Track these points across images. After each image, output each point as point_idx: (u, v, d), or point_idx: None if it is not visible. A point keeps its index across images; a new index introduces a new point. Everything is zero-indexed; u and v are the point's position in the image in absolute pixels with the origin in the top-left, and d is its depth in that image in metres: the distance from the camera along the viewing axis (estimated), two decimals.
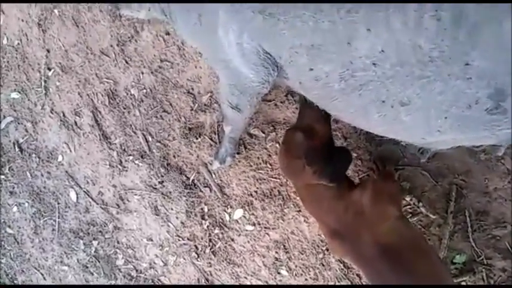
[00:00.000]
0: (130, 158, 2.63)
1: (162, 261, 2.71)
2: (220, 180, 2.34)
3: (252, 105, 1.78)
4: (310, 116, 1.57)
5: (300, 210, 2.18)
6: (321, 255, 2.21)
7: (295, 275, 2.31)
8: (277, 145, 2.08)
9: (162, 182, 2.54)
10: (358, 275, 2.13)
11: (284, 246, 2.28)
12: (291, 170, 1.55)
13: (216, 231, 2.45)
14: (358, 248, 1.45)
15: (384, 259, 1.42)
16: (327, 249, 2.18)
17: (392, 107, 1.32)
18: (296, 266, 2.29)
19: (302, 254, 2.25)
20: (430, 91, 1.22)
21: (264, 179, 2.20)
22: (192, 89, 2.25)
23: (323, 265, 2.22)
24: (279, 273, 2.35)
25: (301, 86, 1.52)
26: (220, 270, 2.54)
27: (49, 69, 2.80)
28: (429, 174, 1.82)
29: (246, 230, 2.35)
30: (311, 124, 1.56)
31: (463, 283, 1.78)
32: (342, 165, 1.56)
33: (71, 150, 2.82)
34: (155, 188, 2.58)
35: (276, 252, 2.31)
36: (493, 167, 1.71)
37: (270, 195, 2.21)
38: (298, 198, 2.15)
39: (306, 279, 2.29)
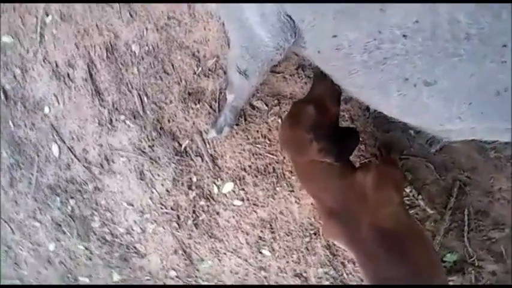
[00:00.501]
0: (122, 117, 2.52)
1: (141, 228, 2.63)
2: (214, 150, 2.25)
3: (261, 72, 1.70)
4: (324, 90, 1.50)
5: (292, 191, 2.12)
6: (307, 239, 2.16)
7: (278, 256, 2.25)
8: (280, 120, 2.01)
9: (152, 146, 2.44)
10: (342, 263, 2.09)
11: (270, 225, 2.22)
12: (295, 143, 1.47)
13: (202, 203, 2.37)
14: (355, 229, 1.40)
15: (380, 242, 1.38)
16: (315, 234, 2.13)
17: (415, 86, 1.26)
18: (280, 248, 2.24)
19: (288, 235, 2.19)
20: (460, 72, 1.16)
21: (260, 154, 2.13)
22: (198, 51, 2.15)
23: (308, 249, 2.17)
24: (260, 252, 2.29)
25: (319, 55, 1.45)
26: (200, 243, 2.46)
27: (47, 15, 2.64)
28: (433, 166, 1.78)
29: (234, 205, 2.28)
30: (323, 98, 1.49)
31: (450, 283, 1.75)
32: (350, 145, 1.50)
33: (59, 103, 2.69)
34: (144, 152, 2.48)
35: (261, 231, 2.25)
36: (502, 167, 1.67)
37: (264, 171, 2.14)
38: (292, 177, 2.09)
39: (287, 262, 2.24)
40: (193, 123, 2.26)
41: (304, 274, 2.21)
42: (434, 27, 1.13)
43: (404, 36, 1.18)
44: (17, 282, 3.11)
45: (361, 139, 1.86)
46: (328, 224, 1.48)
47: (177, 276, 2.60)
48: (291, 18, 1.41)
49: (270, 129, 2.07)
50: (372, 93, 1.40)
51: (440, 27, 1.12)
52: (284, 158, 2.07)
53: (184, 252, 2.54)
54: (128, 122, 2.48)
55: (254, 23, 1.49)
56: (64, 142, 2.72)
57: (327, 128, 1.46)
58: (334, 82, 1.58)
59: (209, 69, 2.13)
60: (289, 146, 1.51)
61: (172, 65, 2.27)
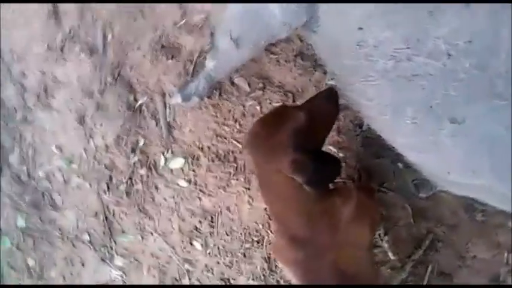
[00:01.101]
0: (77, 48, 2.15)
1: (64, 178, 2.28)
2: (174, 119, 1.96)
3: (255, 46, 1.43)
4: (326, 109, 1.27)
5: (248, 188, 1.87)
6: (247, 245, 1.93)
7: (209, 253, 2.01)
8: (258, 107, 1.75)
9: (103, 91, 2.10)
10: (277, 282, 1.88)
11: (212, 218, 1.97)
12: (267, 145, 1.20)
13: (142, 171, 2.07)
14: (313, 263, 1.18)
15: (335, 285, 1.17)
16: (258, 242, 1.90)
17: (437, 119, 1.05)
18: (214, 245, 1.99)
19: (228, 235, 1.95)
20: (499, 118, 0.96)
21: (225, 138, 1.86)
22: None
23: (245, 256, 1.94)
24: (191, 244, 2.04)
25: (333, 47, 1.20)
26: (126, 214, 2.17)
27: None
28: (411, 210, 1.61)
29: (177, 185, 2.00)
30: (320, 115, 1.25)
31: None
32: (328, 173, 1.27)
33: (6, 14, 2.26)
34: (92, 95, 2.13)
35: (200, 222, 1.99)
36: (486, 234, 1.52)
37: (223, 158, 1.88)
38: (253, 174, 1.85)
39: (218, 263, 2.00)
40: (158, 81, 1.95)
41: (232, 281, 1.99)
42: (490, 54, 0.92)
43: (448, 55, 0.96)
44: None
45: (342, 155, 1.65)
46: (285, 248, 1.24)
47: (90, 242, 2.29)
48: None
49: (244, 114, 1.80)
50: (381, 110, 1.17)
51: (497, 56, 0.91)
52: None
53: (106, 218, 2.23)
54: (82, 55, 2.12)
55: None
56: (1, 58, 2.31)
57: (310, 144, 1.22)
58: (336, 83, 1.34)
59: (194, 25, 1.82)
60: (258, 146, 1.23)
61: (153, 9, 1.94)
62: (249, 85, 1.75)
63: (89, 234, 2.29)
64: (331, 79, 1.63)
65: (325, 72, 1.61)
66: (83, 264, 2.34)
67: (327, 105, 1.27)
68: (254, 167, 1.31)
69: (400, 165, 1.62)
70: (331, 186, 1.65)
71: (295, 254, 1.21)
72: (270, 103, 1.72)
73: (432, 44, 0.96)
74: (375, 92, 1.15)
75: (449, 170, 1.16)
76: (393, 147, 1.34)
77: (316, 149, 1.26)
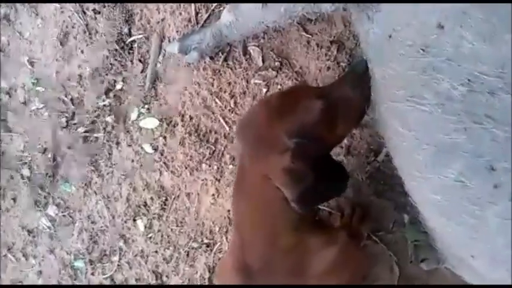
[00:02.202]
0: None
1: (24, 98, 1.96)
2: (164, 70, 1.63)
3: (287, 12, 1.12)
4: (353, 95, 0.94)
5: (218, 180, 1.55)
6: (195, 244, 1.61)
7: (150, 238, 1.70)
8: (264, 90, 1.42)
9: (99, 13, 1.77)
10: None
11: (166, 200, 1.65)
12: (262, 136, 0.88)
13: (109, 119, 1.75)
14: None
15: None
16: (207, 246, 1.59)
17: (494, 189, 0.73)
18: (158, 231, 1.68)
19: (177, 225, 1.64)
20: None
21: (213, 113, 1.53)
22: None
23: (187, 255, 1.63)
24: (134, 220, 1.73)
25: (385, 45, 0.88)
26: (76, 162, 1.86)
27: None
28: (399, 274, 1.29)
29: (142, 148, 1.68)
30: (343, 105, 0.93)
31: None
32: (329, 193, 0.96)
33: None
34: (84, 13, 1.80)
35: (152, 199, 1.67)
36: None
37: (203, 136, 1.56)
38: (230, 167, 1.53)
39: (156, 252, 1.70)
40: (163, 20, 1.62)
41: (164, 278, 1.68)
42: None
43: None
44: None
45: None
46: (229, 272, 0.93)
47: (28, 178, 1.98)
48: None
49: (244, 92, 1.47)
50: (416, 146, 0.85)
51: None
52: (233, 140, 1.49)
53: (54, 159, 1.91)
54: None
55: None
56: None
57: (317, 147, 0.89)
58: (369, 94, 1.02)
59: None
60: (251, 135, 0.92)
61: None
62: (263, 60, 1.42)
63: (30, 170, 1.98)
64: None
65: None
66: (14, 200, 2.04)
67: (354, 95, 0.94)
68: (238, 158, 1.03)
69: (405, 216, 1.30)
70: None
71: (236, 282, 0.89)
72: (280, 89, 1.39)
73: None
74: (418, 121, 0.83)
75: (477, 254, 0.85)
76: (407, 196, 1.02)
77: (322, 155, 0.94)
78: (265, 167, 0.87)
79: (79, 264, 1.90)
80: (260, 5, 1.15)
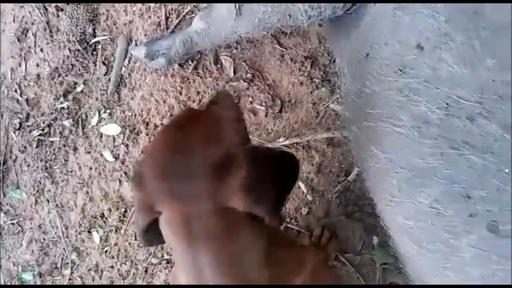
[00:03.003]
0: None
1: None
2: (129, 74, 1.55)
3: (261, 23, 1.08)
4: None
5: None
6: (154, 260, 1.53)
7: (105, 252, 1.60)
8: (238, 101, 1.37)
9: (62, 10, 1.67)
10: None
11: (125, 212, 1.57)
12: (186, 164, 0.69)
13: (66, 123, 1.65)
14: None
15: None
16: (167, 262, 1.51)
17: (470, 218, 0.71)
18: (116, 244, 1.59)
19: (136, 239, 1.55)
20: None
21: None
22: None
23: (146, 272, 1.54)
24: (89, 232, 1.62)
25: (362, 63, 0.86)
26: (29, 166, 1.74)
27: None
28: None
29: (101, 155, 1.59)
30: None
31: None
32: (288, 187, 0.86)
33: None
34: (46, 9, 1.70)
35: (109, 210, 1.58)
36: None
37: None
38: None
39: (112, 267, 1.60)
40: (130, 22, 1.55)
41: None
42: None
43: None
44: None
45: (310, 199, 1.28)
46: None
47: None
48: None
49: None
50: (389, 169, 0.82)
51: None
52: None
53: (4, 162, 1.79)
54: None
55: None
56: None
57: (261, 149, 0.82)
58: (345, 110, 0.99)
59: None
60: (184, 183, 0.67)
61: None
62: (235, 70, 1.37)
63: None
64: (338, 101, 1.28)
65: (332, 92, 1.26)
66: None
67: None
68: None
69: (374, 238, 1.28)
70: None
71: None
72: (251, 102, 1.34)
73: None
74: (393, 143, 0.80)
75: (445, 282, 0.82)
76: (378, 217, 0.99)
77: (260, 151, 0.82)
78: (220, 196, 0.67)
79: (27, 276, 1.77)
80: (234, 14, 1.10)
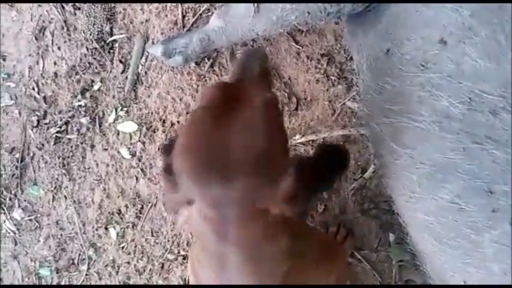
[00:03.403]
0: None
1: None
2: (146, 72, 1.57)
3: (279, 21, 1.09)
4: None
5: None
6: (170, 256, 1.55)
7: (122, 248, 1.62)
8: None
9: (79, 9, 1.70)
10: None
11: (141, 208, 1.59)
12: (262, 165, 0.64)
13: (84, 120, 1.67)
14: None
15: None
16: (184, 258, 1.53)
17: (492, 213, 0.71)
18: (132, 241, 1.61)
19: (153, 235, 1.57)
20: None
21: None
22: None
23: (162, 268, 1.57)
24: (106, 228, 1.65)
25: (382, 59, 0.86)
26: (46, 163, 1.77)
27: None
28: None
29: (118, 153, 1.61)
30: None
31: None
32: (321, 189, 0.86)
33: None
34: (63, 8, 1.73)
35: (126, 207, 1.60)
36: None
37: None
38: None
39: (128, 263, 1.62)
40: (147, 21, 1.57)
41: None
42: None
43: None
44: None
45: (326, 197, 1.29)
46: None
47: None
48: None
49: None
50: (410, 166, 0.83)
51: None
52: None
53: (22, 159, 1.82)
54: None
55: None
56: None
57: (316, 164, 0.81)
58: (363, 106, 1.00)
59: None
60: (229, 179, 0.63)
61: None
62: None
63: None
64: (354, 99, 1.28)
65: (348, 89, 1.26)
66: None
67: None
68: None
69: (391, 235, 1.28)
70: None
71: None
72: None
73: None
74: (414, 139, 0.80)
75: (470, 281, 0.82)
76: (395, 215, 1.00)
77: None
78: (259, 199, 0.65)
79: (44, 272, 1.80)
80: (252, 12, 1.11)
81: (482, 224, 0.73)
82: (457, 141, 0.73)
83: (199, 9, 1.46)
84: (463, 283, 0.81)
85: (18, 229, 1.85)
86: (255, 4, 1.09)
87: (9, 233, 1.87)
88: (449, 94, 0.72)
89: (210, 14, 1.45)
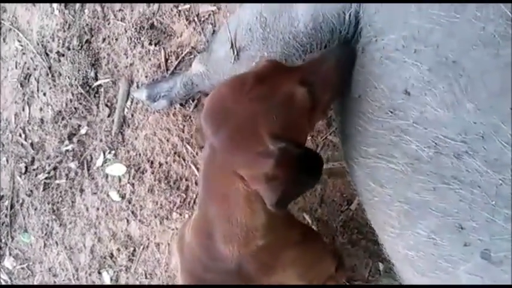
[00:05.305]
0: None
1: None
2: (132, 115, 1.64)
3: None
4: (337, 64, 0.90)
5: None
6: None
7: None
8: None
9: (63, 55, 1.78)
10: None
11: (134, 251, 1.63)
12: (238, 132, 0.80)
13: (72, 165, 1.73)
14: None
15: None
16: None
17: (464, 247, 0.79)
18: (127, 283, 1.65)
19: (146, 277, 1.62)
20: None
21: (183, 160, 1.55)
22: None
23: None
24: (99, 273, 1.69)
25: (357, 100, 0.95)
26: (36, 210, 1.81)
27: None
28: None
29: (108, 196, 1.67)
30: (323, 83, 0.87)
31: None
32: (305, 188, 0.97)
33: None
34: (47, 55, 1.81)
35: (118, 250, 1.65)
36: None
37: (173, 183, 1.57)
38: None
39: None
40: (131, 65, 1.65)
41: None
42: None
43: None
44: None
45: (316, 229, 1.36)
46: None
47: None
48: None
49: None
50: (388, 202, 0.90)
51: None
52: None
53: (12, 207, 1.86)
54: (54, 4, 1.81)
55: None
56: None
57: (299, 147, 0.88)
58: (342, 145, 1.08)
59: (198, 15, 1.54)
60: (223, 130, 0.80)
61: None
62: None
63: None
64: (335, 133, 1.37)
65: (329, 124, 1.35)
66: None
67: (337, 78, 0.90)
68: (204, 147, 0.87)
69: (380, 265, 1.35)
70: None
71: None
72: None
73: (499, 149, 0.71)
74: (390, 178, 0.88)
75: None
76: (381, 245, 1.07)
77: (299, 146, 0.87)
78: (239, 165, 0.81)
79: None
80: (232, 58, 1.20)
81: (456, 257, 0.80)
82: (427, 182, 0.81)
83: (182, 53, 1.55)
84: None
85: (10, 278, 1.89)
86: (235, 52, 1.18)
87: (1, 282, 1.91)
88: (417, 139, 0.80)
89: (192, 56, 1.53)
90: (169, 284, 1.59)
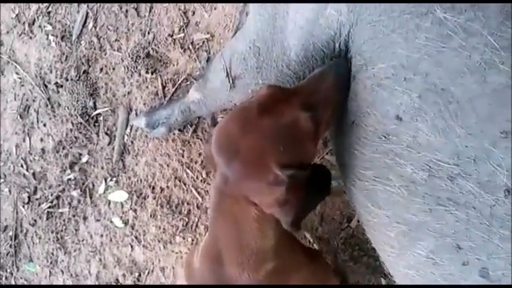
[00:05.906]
0: (48, 27, 1.86)
1: None
2: (131, 142, 1.66)
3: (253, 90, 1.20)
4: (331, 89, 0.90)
5: None
6: None
7: None
8: None
9: (61, 86, 1.80)
10: None
11: (139, 275, 1.64)
12: (246, 163, 0.82)
13: (74, 193, 1.74)
14: None
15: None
16: None
17: (463, 265, 0.80)
18: None
19: None
20: None
21: (184, 184, 1.56)
22: (193, 13, 1.59)
23: None
24: None
25: (349, 124, 0.96)
26: (40, 239, 1.81)
27: None
28: None
29: (111, 222, 1.68)
30: (325, 103, 0.89)
31: None
32: (316, 202, 1.03)
33: None
34: (46, 86, 1.83)
35: (124, 276, 1.65)
36: None
37: (175, 207, 1.58)
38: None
39: None
40: (129, 93, 1.67)
41: None
42: None
43: (508, 192, 0.73)
44: None
45: (317, 247, 1.37)
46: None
47: None
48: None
49: None
50: (387, 224, 0.92)
51: None
52: (207, 210, 1.52)
53: (16, 237, 1.86)
54: (51, 36, 1.83)
55: (294, 23, 1.01)
56: None
57: (307, 168, 0.90)
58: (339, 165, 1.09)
59: (192, 43, 1.57)
60: (231, 161, 0.82)
61: (150, 9, 1.69)
62: None
63: None
64: (330, 152, 1.39)
65: (325, 144, 1.37)
66: None
67: (337, 94, 0.91)
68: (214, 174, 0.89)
69: (383, 281, 1.36)
70: None
71: None
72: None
73: (491, 171, 0.73)
74: (387, 200, 0.90)
75: None
76: (382, 262, 1.08)
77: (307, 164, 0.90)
78: (252, 193, 0.84)
79: None
80: (227, 87, 1.22)
81: (456, 276, 0.82)
82: (423, 204, 0.82)
83: (178, 80, 1.57)
84: None
85: None
86: (230, 81, 1.20)
87: None
88: (411, 162, 0.82)
89: (188, 83, 1.56)
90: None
